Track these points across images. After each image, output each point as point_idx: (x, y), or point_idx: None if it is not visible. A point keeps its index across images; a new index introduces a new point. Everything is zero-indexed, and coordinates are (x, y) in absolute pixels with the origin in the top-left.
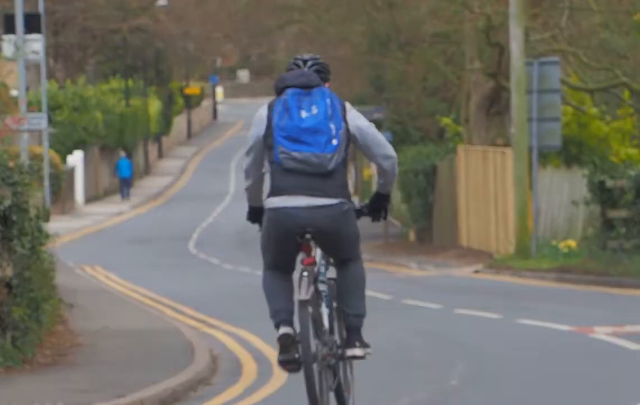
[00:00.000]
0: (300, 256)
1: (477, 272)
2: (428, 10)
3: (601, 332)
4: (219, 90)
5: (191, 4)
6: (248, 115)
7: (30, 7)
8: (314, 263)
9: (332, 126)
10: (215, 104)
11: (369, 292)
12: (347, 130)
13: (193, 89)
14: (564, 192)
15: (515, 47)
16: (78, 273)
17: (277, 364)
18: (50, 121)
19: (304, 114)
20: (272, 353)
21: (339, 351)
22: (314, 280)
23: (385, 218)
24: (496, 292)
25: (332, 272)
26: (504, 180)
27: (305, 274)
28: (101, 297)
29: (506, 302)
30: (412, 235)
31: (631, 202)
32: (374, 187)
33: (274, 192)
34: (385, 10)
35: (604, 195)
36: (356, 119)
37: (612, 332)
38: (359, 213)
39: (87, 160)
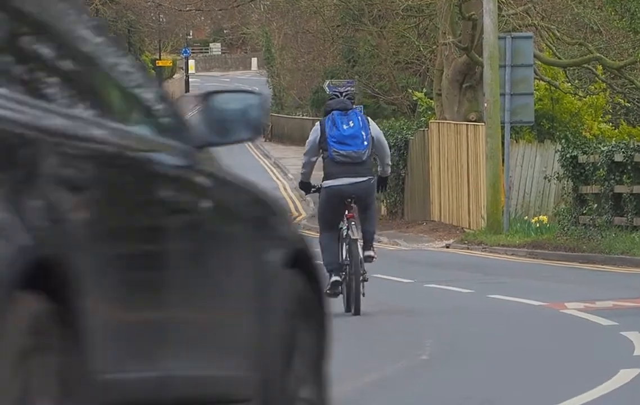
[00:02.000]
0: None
1: (448, 246)
2: None
3: (572, 308)
4: (191, 63)
5: None
6: (220, 87)
7: None
8: (354, 217)
9: (363, 133)
10: (187, 76)
11: None
12: (371, 136)
13: (165, 61)
14: (536, 167)
15: (488, 21)
16: None
17: (326, 292)
18: None
19: (345, 127)
20: None
21: (361, 266)
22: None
23: (385, 189)
24: (467, 266)
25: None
26: (477, 155)
27: (353, 223)
28: None
29: (477, 277)
30: (383, 210)
31: (603, 177)
32: None
33: (328, 177)
34: None
35: (576, 171)
36: (375, 129)
37: (584, 308)
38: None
39: None
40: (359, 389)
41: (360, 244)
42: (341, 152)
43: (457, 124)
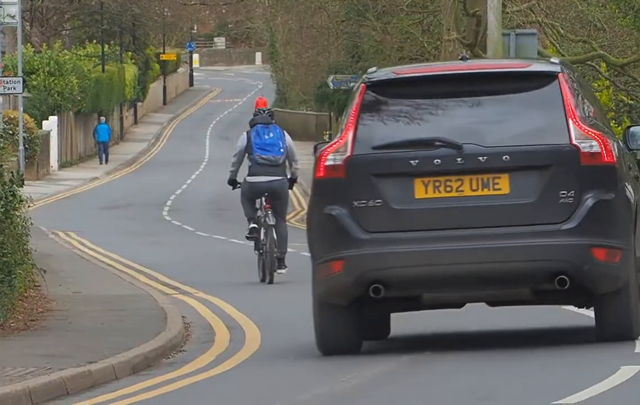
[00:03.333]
0: (259, 204)
1: None
2: None
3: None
4: (195, 57)
5: None
6: (224, 82)
7: None
8: (270, 207)
9: (280, 143)
10: (191, 70)
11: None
12: (286, 145)
13: (169, 55)
14: None
15: (493, 17)
16: (52, 238)
17: (245, 238)
18: (26, 85)
19: (266, 137)
20: (244, 320)
21: (275, 248)
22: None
23: (292, 187)
24: None
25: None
26: None
27: (269, 212)
28: (74, 263)
29: None
30: None
31: None
32: None
33: (251, 174)
34: None
35: None
36: (289, 140)
37: None
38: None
39: (62, 126)
40: (362, 382)
41: (274, 232)
42: (263, 156)
43: None
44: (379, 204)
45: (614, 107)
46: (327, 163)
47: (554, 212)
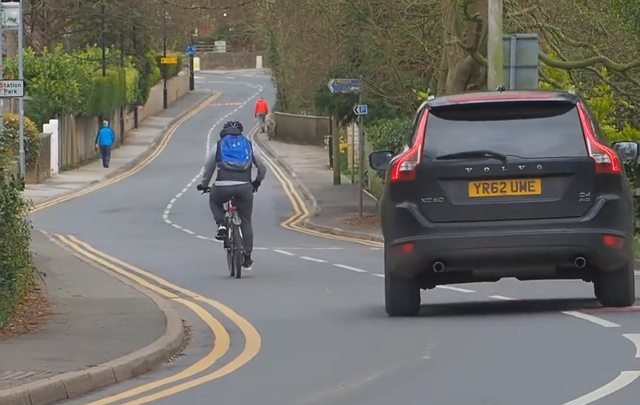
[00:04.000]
0: (226, 207)
1: None
2: None
3: (574, 309)
4: (196, 61)
5: None
6: (225, 85)
7: None
8: (236, 209)
9: (246, 151)
10: (192, 74)
11: (342, 266)
12: (252, 154)
13: (170, 58)
14: None
15: (493, 22)
16: (52, 242)
17: (215, 238)
18: (27, 89)
19: (234, 145)
20: (245, 324)
21: (242, 246)
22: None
23: (257, 190)
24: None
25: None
26: None
27: (235, 214)
28: (75, 266)
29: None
30: None
31: None
32: (349, 159)
33: (219, 179)
34: None
35: None
36: (255, 149)
37: (586, 309)
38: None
39: (62, 129)
40: (361, 387)
41: (240, 231)
42: (230, 162)
43: None
44: (441, 201)
45: (614, 112)
46: (401, 169)
47: (575, 208)
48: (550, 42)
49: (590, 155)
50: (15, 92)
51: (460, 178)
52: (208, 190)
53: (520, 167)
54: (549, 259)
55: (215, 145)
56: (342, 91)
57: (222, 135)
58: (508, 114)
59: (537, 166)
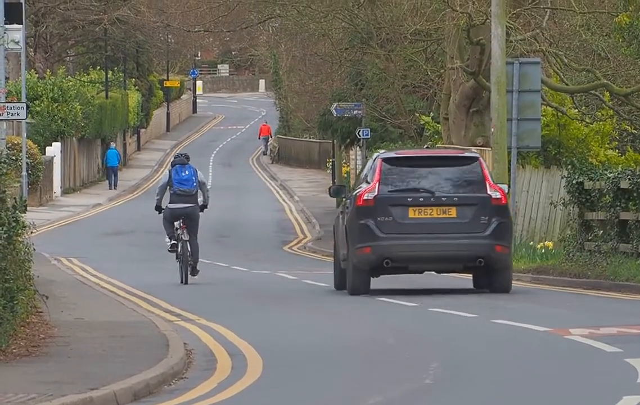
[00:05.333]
0: (177, 225)
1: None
2: (409, 7)
3: (577, 334)
4: (199, 84)
5: None
6: (227, 109)
7: None
8: (185, 228)
9: (194, 178)
10: (194, 97)
11: (344, 289)
12: (198, 180)
13: (173, 82)
14: (542, 192)
15: (496, 46)
16: (54, 264)
17: (168, 251)
18: (29, 111)
19: (183, 174)
20: (247, 347)
21: (189, 257)
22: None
23: (203, 211)
24: (472, 291)
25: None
26: None
27: (185, 230)
28: (77, 289)
29: (481, 302)
30: None
31: (609, 204)
32: (352, 183)
33: (171, 202)
34: (367, 6)
35: (582, 197)
36: (200, 176)
37: (588, 334)
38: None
39: (65, 152)
40: None
41: (188, 245)
42: (180, 188)
43: (463, 148)
44: (390, 219)
45: (617, 137)
46: (365, 198)
47: (478, 227)
48: (554, 66)
49: (488, 192)
50: (18, 114)
51: (403, 205)
52: (163, 210)
53: (443, 199)
54: (459, 260)
55: (167, 173)
56: (345, 115)
57: (173, 165)
58: (435, 163)
59: (454, 199)
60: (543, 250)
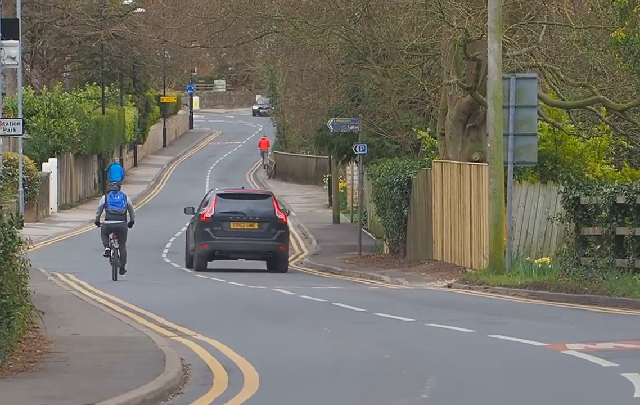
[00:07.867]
0: (111, 236)
1: (450, 286)
2: (406, 23)
3: (573, 349)
4: (196, 100)
5: (169, 12)
6: (224, 124)
7: (7, 12)
8: (116, 239)
9: (124, 202)
10: (191, 113)
11: (342, 305)
12: (127, 203)
13: (169, 97)
14: (539, 208)
15: (493, 61)
16: (50, 280)
17: (103, 256)
18: (26, 127)
19: (116, 198)
20: (243, 363)
21: (118, 260)
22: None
23: (131, 227)
24: (469, 306)
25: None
26: (479, 195)
27: (116, 241)
28: (73, 304)
29: (479, 317)
30: (386, 248)
31: (606, 219)
32: (348, 198)
33: (106, 219)
34: (363, 22)
35: (578, 212)
36: (128, 199)
37: (585, 349)
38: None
39: (61, 168)
40: None
41: (118, 251)
42: (113, 209)
43: (460, 164)
44: (220, 228)
45: (614, 152)
46: (207, 215)
47: (270, 235)
48: (550, 81)
49: (276, 214)
50: (14, 130)
51: (228, 220)
52: (100, 225)
53: (250, 217)
54: (259, 253)
55: (103, 197)
56: (342, 130)
57: (108, 191)
58: (246, 197)
59: (257, 217)
60: (540, 266)
